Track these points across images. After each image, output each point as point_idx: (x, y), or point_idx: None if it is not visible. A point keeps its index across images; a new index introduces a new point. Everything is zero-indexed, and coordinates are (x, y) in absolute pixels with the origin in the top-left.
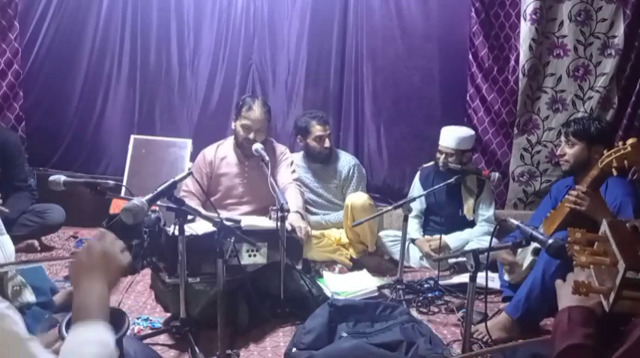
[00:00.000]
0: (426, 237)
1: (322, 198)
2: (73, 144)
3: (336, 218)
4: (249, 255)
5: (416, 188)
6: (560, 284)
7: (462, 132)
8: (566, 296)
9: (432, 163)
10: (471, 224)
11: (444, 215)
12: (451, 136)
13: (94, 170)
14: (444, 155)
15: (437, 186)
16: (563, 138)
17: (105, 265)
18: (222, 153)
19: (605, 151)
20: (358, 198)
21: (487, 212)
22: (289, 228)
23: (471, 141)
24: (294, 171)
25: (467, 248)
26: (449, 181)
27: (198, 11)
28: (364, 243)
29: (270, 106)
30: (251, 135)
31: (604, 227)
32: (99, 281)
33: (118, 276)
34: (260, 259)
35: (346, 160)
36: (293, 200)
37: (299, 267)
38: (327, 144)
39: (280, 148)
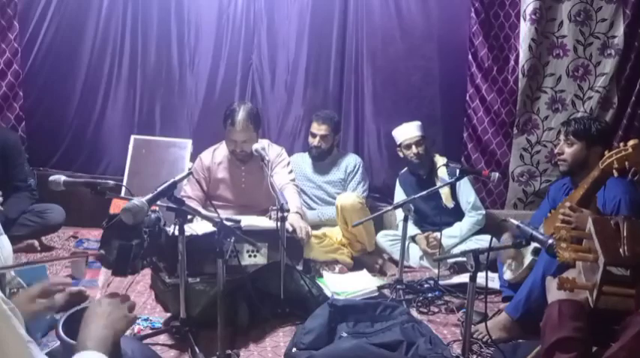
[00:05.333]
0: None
1: (326, 194)
2: (73, 144)
3: (333, 212)
4: (250, 256)
5: (399, 194)
6: (550, 279)
7: (414, 122)
8: (555, 291)
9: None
10: (458, 212)
11: (430, 212)
12: (409, 127)
13: (94, 170)
14: (413, 146)
15: (436, 187)
16: (562, 137)
17: (112, 315)
18: (219, 157)
19: (605, 152)
20: (346, 198)
21: (469, 198)
22: (290, 228)
23: (423, 128)
24: (290, 172)
25: (466, 248)
26: (449, 181)
27: (198, 11)
28: (361, 242)
29: (257, 112)
30: (238, 149)
31: (589, 224)
32: (105, 326)
33: (124, 328)
34: (260, 259)
35: (352, 157)
36: (292, 200)
37: (299, 267)
38: (316, 142)
39: (276, 149)
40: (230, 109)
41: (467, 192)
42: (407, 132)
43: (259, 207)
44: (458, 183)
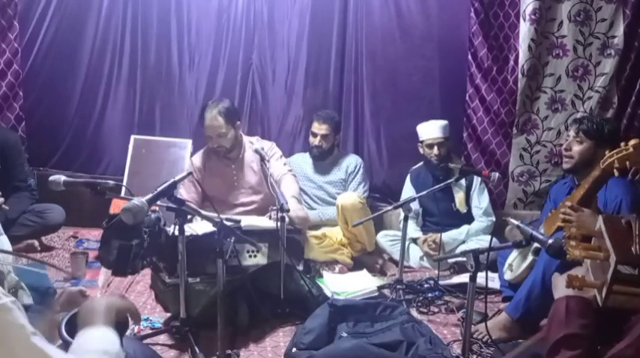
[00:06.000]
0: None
1: (327, 194)
2: (73, 144)
3: (333, 212)
4: (250, 256)
5: (408, 190)
6: (557, 276)
7: (440, 121)
8: (562, 288)
9: (420, 164)
10: (466, 217)
11: (437, 212)
12: (435, 127)
13: (94, 170)
14: (435, 147)
15: (437, 186)
16: (572, 133)
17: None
18: (209, 158)
19: (606, 152)
20: (347, 197)
21: (482, 203)
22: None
23: (449, 129)
24: (285, 164)
25: (466, 248)
26: (449, 181)
27: (198, 11)
28: (361, 242)
29: (231, 106)
30: (214, 144)
31: (599, 223)
32: (105, 300)
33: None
34: (260, 259)
35: (353, 158)
36: (289, 187)
37: (300, 267)
38: (316, 141)
39: (266, 144)
40: (203, 106)
41: (481, 198)
42: (431, 131)
43: (254, 204)
44: (473, 188)
